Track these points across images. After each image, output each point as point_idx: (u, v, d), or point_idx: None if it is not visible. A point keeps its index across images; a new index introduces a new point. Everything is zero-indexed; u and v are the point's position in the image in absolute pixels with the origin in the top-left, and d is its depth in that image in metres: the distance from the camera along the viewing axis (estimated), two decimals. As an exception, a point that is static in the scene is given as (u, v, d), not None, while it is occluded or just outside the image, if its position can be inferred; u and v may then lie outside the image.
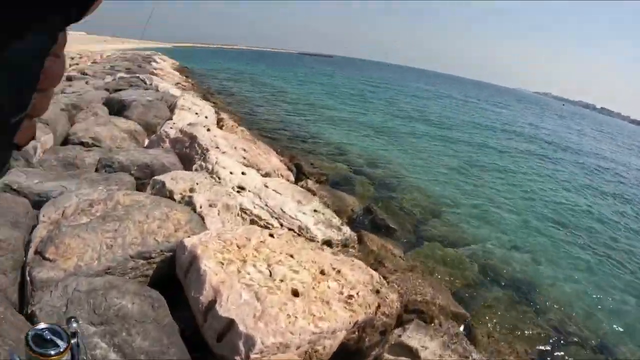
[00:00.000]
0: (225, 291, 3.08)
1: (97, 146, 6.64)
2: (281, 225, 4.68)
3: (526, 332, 4.78)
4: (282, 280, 3.32)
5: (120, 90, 9.95)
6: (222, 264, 3.37)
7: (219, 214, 4.40)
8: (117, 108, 8.69)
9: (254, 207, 4.79)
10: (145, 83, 11.55)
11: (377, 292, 3.69)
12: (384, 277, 4.36)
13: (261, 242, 3.80)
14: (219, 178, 5.02)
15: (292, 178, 6.66)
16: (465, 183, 9.89)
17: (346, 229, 5.08)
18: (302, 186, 6.74)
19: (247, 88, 20.93)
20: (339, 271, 3.71)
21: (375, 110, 19.42)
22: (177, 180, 4.82)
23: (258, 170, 6.32)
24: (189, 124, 6.80)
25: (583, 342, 4.90)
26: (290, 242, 3.97)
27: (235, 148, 6.51)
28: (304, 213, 4.95)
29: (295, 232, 4.65)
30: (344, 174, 9.06)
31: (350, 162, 10.10)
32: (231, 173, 5.14)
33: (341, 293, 3.45)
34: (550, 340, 4.79)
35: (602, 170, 15.92)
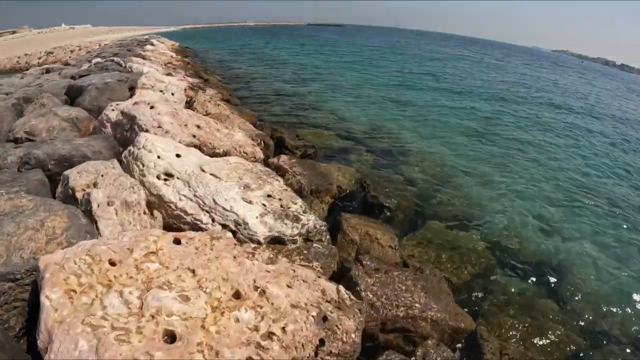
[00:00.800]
0: (58, 337, 1.99)
1: (30, 140, 5.66)
2: (212, 220, 3.50)
3: (549, 341, 3.44)
4: (153, 317, 2.16)
5: (86, 76, 8.94)
6: (74, 292, 2.25)
7: (116, 214, 3.27)
8: (74, 95, 7.72)
9: (180, 198, 3.62)
10: (121, 65, 10.51)
11: (325, 319, 2.45)
12: (353, 285, 3.11)
13: (150, 253, 2.64)
14: (142, 165, 3.86)
15: (259, 155, 5.42)
16: (478, 153, 8.25)
17: (309, 218, 3.82)
18: (271, 163, 5.50)
19: (248, 62, 19.62)
20: (263, 292, 2.50)
21: (382, 77, 17.52)
22: (82, 174, 3.72)
23: (213, 149, 5.13)
24: (134, 103, 5.65)
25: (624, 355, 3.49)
26: (202, 249, 2.78)
27: (185, 126, 5.32)
28: (248, 202, 3.74)
29: (230, 228, 3.45)
30: (338, 146, 7.71)
31: (349, 133, 8.70)
32: (159, 157, 3.97)
33: (255, 329, 2.25)
34: (582, 354, 3.43)
35: (628, 128, 13.42)
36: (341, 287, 2.83)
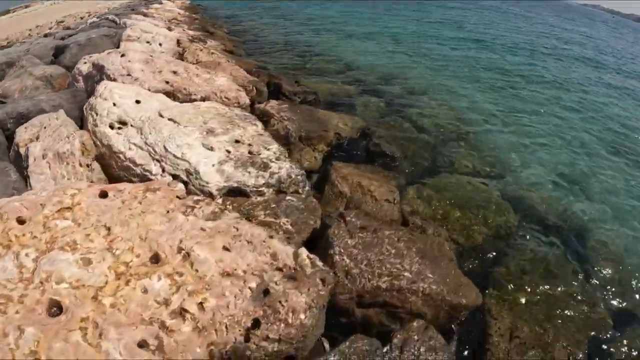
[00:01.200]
0: None
1: (2, 102, 5.27)
2: (163, 170, 2.89)
3: (571, 321, 2.71)
4: (42, 283, 1.63)
5: (74, 35, 8.38)
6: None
7: (49, 167, 2.71)
8: (58, 55, 7.25)
9: (129, 148, 3.02)
10: (116, 23, 9.83)
11: (266, 293, 1.83)
12: (328, 246, 2.46)
13: (64, 209, 2.08)
14: (96, 114, 3.27)
15: (244, 100, 4.72)
16: (500, 105, 7.07)
17: (281, 166, 3.15)
18: (257, 109, 4.80)
19: (259, 15, 18.44)
20: (187, 255, 1.89)
21: (399, 26, 15.94)
22: (28, 128, 3.19)
23: (188, 95, 4.47)
24: (107, 53, 5.02)
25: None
26: (129, 203, 2.19)
27: (160, 72, 4.66)
28: (209, 148, 3.09)
29: (181, 179, 2.84)
30: (344, 94, 6.86)
31: (359, 81, 7.77)
32: (114, 105, 3.35)
33: (165, 304, 1.66)
34: (608, 337, 2.68)
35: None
36: (302, 251, 2.18)
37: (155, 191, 2.42)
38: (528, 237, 3.51)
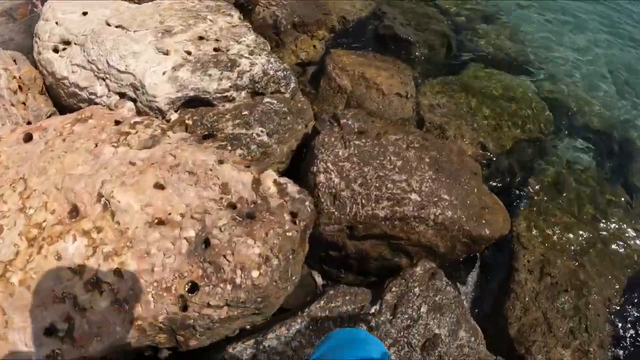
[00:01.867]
0: None
1: None
2: (109, 89, 2.24)
3: (616, 254, 2.17)
4: None
5: None
6: None
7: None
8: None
9: (73, 70, 2.33)
10: None
11: (207, 244, 1.29)
12: (312, 160, 1.86)
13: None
14: (39, 40, 2.52)
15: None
16: None
17: (254, 62, 2.40)
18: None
19: None
20: (107, 203, 1.33)
21: None
22: None
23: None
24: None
25: None
26: (52, 143, 1.59)
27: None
28: (164, 52, 2.32)
29: (129, 96, 2.20)
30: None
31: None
32: (57, 24, 2.53)
33: (79, 273, 1.17)
34: None
35: None
36: (267, 175, 1.60)
37: (86, 121, 1.79)
38: (567, 146, 2.79)
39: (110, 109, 2.19)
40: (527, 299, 1.86)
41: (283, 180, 1.70)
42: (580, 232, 2.26)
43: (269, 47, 2.75)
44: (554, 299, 1.87)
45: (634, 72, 3.75)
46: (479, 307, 1.97)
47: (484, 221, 1.85)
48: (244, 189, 1.61)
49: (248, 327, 1.51)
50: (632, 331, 2.07)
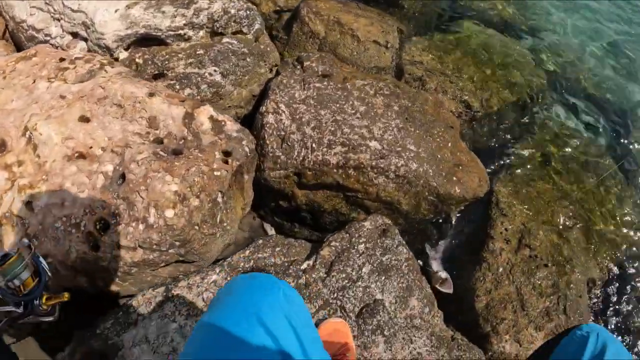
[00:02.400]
0: None
1: None
2: (63, 30, 1.98)
3: (605, 233, 1.96)
4: None
5: None
6: None
7: None
8: None
9: (31, 13, 2.10)
10: None
11: (122, 179, 1.07)
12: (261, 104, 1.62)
13: None
14: None
15: None
16: None
17: None
18: None
19: None
20: (31, 135, 1.10)
21: None
22: None
23: None
24: None
25: None
26: None
27: None
28: None
29: (82, 36, 1.95)
30: None
31: None
32: None
33: None
34: None
35: None
36: (203, 110, 1.36)
37: (30, 58, 1.55)
38: (558, 116, 2.52)
39: (63, 50, 1.98)
40: (500, 270, 1.63)
41: (221, 117, 1.46)
42: (568, 205, 2.03)
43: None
44: (530, 274, 1.64)
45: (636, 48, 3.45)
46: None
47: (455, 178, 1.62)
48: (174, 124, 1.37)
49: (181, 277, 1.29)
50: (614, 319, 1.87)
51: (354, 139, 1.54)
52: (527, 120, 2.46)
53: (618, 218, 2.13)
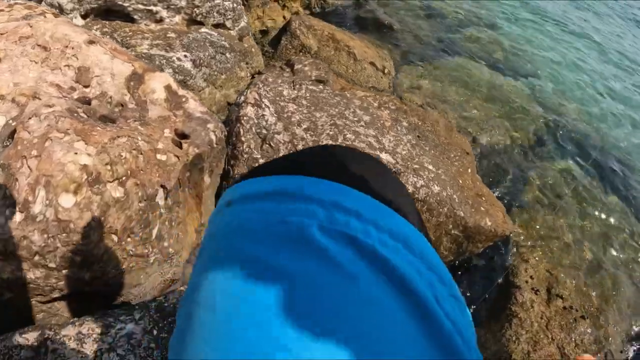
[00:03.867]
0: None
1: None
2: None
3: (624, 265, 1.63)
4: None
5: None
6: None
7: None
8: None
9: None
10: None
11: (12, 137, 0.58)
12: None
13: None
14: None
15: None
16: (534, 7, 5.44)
17: None
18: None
19: None
20: None
21: None
22: None
23: None
24: None
25: None
26: None
27: None
28: None
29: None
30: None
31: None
32: None
33: None
34: None
35: None
36: (160, 76, 0.98)
37: None
38: (561, 152, 2.33)
39: None
40: (535, 326, 1.24)
41: (183, 92, 1.05)
42: (587, 246, 1.72)
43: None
44: (570, 329, 1.27)
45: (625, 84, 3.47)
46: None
47: (482, 209, 1.26)
48: (112, 83, 0.95)
49: (72, 321, 0.79)
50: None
51: (361, 147, 1.17)
52: (531, 159, 2.22)
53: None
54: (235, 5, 1.90)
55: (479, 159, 1.95)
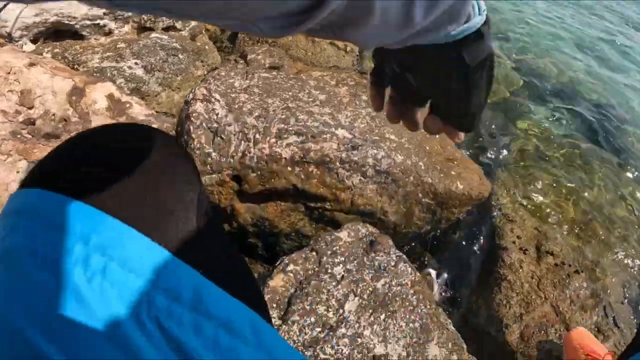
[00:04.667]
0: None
1: None
2: None
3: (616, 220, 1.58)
4: None
5: None
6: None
7: None
8: None
9: None
10: None
11: None
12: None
13: None
14: None
15: None
16: None
17: None
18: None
19: None
20: None
21: None
22: None
23: None
24: None
25: None
26: None
27: None
28: None
29: None
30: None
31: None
32: None
33: None
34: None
35: None
36: (101, 87, 1.09)
37: None
38: (540, 109, 2.26)
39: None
40: (526, 287, 1.20)
41: (127, 98, 1.02)
42: (575, 200, 1.68)
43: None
44: (564, 285, 1.22)
45: (606, 44, 3.38)
46: (453, 307, 1.28)
47: (453, 173, 1.22)
48: (54, 101, 0.93)
49: None
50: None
51: (314, 125, 1.12)
52: (509, 118, 2.16)
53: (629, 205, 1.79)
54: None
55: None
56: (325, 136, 1.09)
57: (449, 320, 0.89)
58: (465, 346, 0.88)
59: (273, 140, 1.07)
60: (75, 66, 1.57)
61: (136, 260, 0.24)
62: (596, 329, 1.13)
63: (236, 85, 1.31)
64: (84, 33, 1.71)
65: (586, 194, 1.73)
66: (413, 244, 1.41)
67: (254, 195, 1.09)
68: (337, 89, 1.39)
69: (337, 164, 1.08)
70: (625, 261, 1.56)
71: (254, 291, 0.46)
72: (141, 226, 0.26)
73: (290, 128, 1.11)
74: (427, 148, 1.26)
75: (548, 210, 1.54)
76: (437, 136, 1.37)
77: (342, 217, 1.15)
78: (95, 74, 1.50)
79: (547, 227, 1.43)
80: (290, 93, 1.28)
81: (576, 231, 1.53)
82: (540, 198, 1.57)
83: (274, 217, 1.13)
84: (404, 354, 0.74)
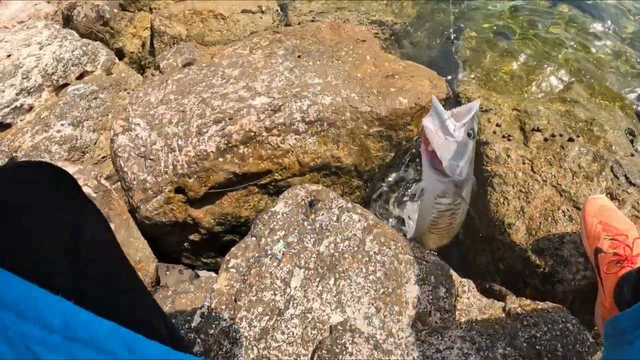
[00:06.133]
0: None
1: None
2: None
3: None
4: None
5: None
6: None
7: None
8: None
9: None
10: None
11: None
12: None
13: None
14: None
15: None
16: None
17: (41, 56, 1.78)
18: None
19: None
20: None
21: None
22: None
23: None
24: None
25: None
26: None
27: None
28: None
29: None
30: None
31: None
32: None
33: None
34: None
35: None
36: None
37: None
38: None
39: None
40: (519, 176, 1.11)
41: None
42: (547, 66, 1.55)
43: (77, 34, 2.06)
44: (560, 159, 1.12)
45: None
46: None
47: (393, 89, 1.13)
48: None
49: None
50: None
51: (229, 106, 1.06)
52: (458, 10, 1.99)
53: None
54: (85, 48, 1.80)
55: (398, 39, 1.77)
56: (242, 112, 1.03)
57: (427, 251, 0.84)
58: (452, 273, 0.81)
59: (195, 139, 1.02)
60: (14, 154, 1.57)
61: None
62: (609, 196, 1.02)
63: (152, 100, 1.26)
64: (8, 121, 1.68)
65: (557, 53, 1.58)
66: (395, 174, 1.35)
67: (203, 198, 1.06)
68: (251, 56, 1.31)
69: (265, 133, 1.02)
70: (625, 100, 1.44)
71: (143, 305, 0.47)
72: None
73: (207, 120, 1.05)
74: (359, 75, 1.17)
75: (522, 84, 1.42)
76: (368, 56, 1.27)
77: (298, 180, 1.10)
78: (31, 154, 1.49)
79: (525, 103, 1.32)
80: (203, 84, 1.22)
81: (557, 94, 1.42)
82: (509, 76, 1.46)
83: (234, 209, 1.09)
84: (372, 310, 0.70)
